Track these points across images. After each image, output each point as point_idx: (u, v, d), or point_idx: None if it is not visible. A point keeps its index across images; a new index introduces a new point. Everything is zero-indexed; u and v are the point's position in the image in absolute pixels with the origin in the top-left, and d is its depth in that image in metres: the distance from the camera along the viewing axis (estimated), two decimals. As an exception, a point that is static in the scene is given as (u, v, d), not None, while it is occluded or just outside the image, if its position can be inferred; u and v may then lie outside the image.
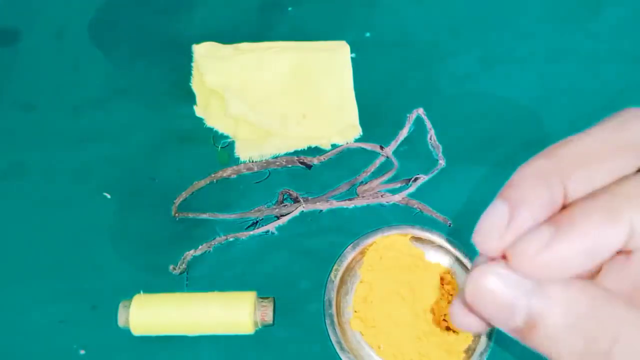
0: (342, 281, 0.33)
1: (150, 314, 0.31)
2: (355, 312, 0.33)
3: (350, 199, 0.35)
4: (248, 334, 0.32)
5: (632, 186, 0.15)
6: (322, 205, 0.35)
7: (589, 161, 0.16)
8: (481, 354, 0.31)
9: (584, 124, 0.41)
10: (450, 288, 0.33)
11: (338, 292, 0.33)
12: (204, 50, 0.40)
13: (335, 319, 0.32)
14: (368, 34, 0.42)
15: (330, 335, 0.32)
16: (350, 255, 0.34)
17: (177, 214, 0.35)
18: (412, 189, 0.36)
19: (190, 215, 0.35)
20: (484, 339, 0.32)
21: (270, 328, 0.32)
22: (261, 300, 0.32)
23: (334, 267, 0.33)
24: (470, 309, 0.16)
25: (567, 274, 0.14)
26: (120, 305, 0.32)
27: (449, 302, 0.33)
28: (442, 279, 0.33)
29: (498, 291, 0.15)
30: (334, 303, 0.32)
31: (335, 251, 0.34)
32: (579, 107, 0.40)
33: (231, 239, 0.35)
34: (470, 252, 0.34)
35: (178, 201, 0.36)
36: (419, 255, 0.34)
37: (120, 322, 0.31)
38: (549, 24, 0.43)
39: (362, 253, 0.34)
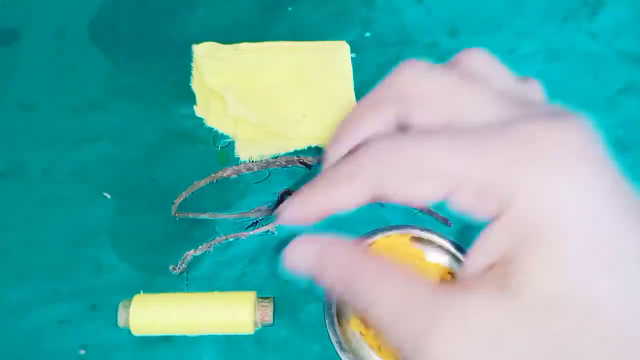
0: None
1: (150, 314, 0.31)
2: (355, 312, 0.33)
3: None
4: (248, 334, 0.32)
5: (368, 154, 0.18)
6: None
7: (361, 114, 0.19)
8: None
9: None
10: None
11: (338, 292, 0.33)
12: (204, 51, 0.40)
13: (335, 319, 0.32)
14: (368, 34, 0.42)
15: (330, 336, 0.32)
16: (350, 255, 0.34)
17: (177, 214, 0.35)
18: None
19: (190, 215, 0.35)
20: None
21: (270, 328, 0.32)
22: (261, 300, 0.32)
23: (334, 267, 0.33)
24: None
25: (314, 218, 0.20)
26: (120, 305, 0.32)
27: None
28: (441, 279, 0.33)
29: (296, 255, 0.20)
30: (334, 303, 0.32)
31: (335, 251, 0.34)
32: (578, 107, 0.40)
33: (231, 239, 0.35)
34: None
35: (178, 201, 0.36)
36: (418, 256, 0.34)
37: (121, 322, 0.31)
38: (548, 24, 0.43)
39: (362, 253, 0.34)
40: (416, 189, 0.17)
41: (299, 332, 0.33)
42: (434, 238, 0.34)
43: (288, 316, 0.33)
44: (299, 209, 0.20)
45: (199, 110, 0.39)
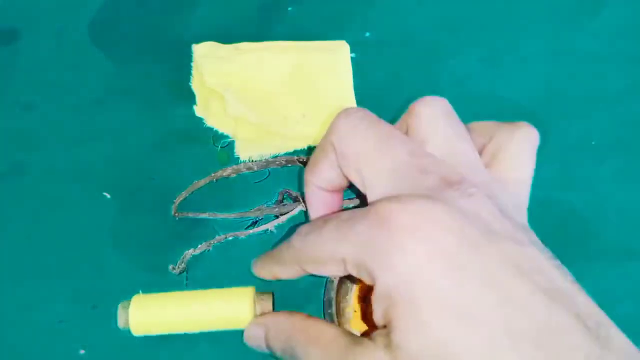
0: (342, 281, 0.33)
1: (150, 314, 0.31)
2: (355, 312, 0.33)
3: (350, 199, 0.35)
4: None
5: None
6: None
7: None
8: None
9: (584, 124, 0.42)
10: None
11: (338, 292, 0.33)
12: (204, 51, 0.40)
13: (335, 319, 0.32)
14: (368, 34, 0.42)
15: (330, 336, 0.32)
16: (350, 255, 0.34)
17: (177, 214, 0.35)
18: None
19: (191, 215, 0.35)
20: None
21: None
22: (260, 294, 0.32)
23: (334, 267, 0.33)
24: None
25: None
26: (120, 306, 0.31)
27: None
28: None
29: (251, 338, 0.28)
30: (333, 303, 0.32)
31: (335, 251, 0.34)
32: (579, 107, 0.40)
33: (230, 238, 0.35)
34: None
35: (178, 201, 0.36)
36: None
37: (121, 324, 0.31)
38: (549, 24, 0.43)
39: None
40: (325, 270, 0.23)
41: (299, 332, 0.33)
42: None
43: (288, 316, 0.33)
44: (257, 272, 0.28)
45: (199, 110, 0.39)
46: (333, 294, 0.32)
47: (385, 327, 0.20)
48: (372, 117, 0.24)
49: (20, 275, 0.34)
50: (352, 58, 0.41)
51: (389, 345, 0.19)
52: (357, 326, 0.32)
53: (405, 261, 0.19)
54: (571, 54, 0.42)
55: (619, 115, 0.40)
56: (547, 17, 0.43)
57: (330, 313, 0.32)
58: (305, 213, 0.35)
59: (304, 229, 0.24)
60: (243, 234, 0.35)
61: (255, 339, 0.27)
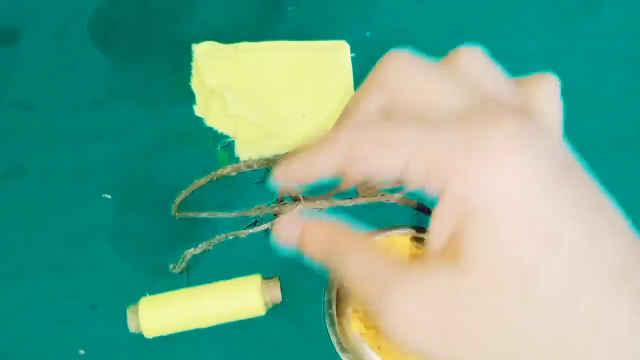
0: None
1: (160, 315, 0.31)
2: (355, 312, 0.33)
3: (350, 198, 0.35)
4: (252, 326, 0.32)
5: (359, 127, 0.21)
6: (322, 204, 0.35)
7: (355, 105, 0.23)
8: (481, 354, 0.31)
9: (584, 123, 0.42)
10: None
11: (338, 292, 0.33)
12: (204, 50, 0.40)
13: (336, 319, 0.32)
14: (368, 34, 0.42)
15: (331, 336, 0.32)
16: (350, 255, 0.34)
17: (177, 214, 0.35)
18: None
19: (191, 215, 0.35)
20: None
21: (270, 328, 0.32)
22: (267, 280, 0.32)
23: (334, 267, 0.33)
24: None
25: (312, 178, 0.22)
26: (129, 311, 0.31)
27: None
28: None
29: (284, 236, 0.24)
30: (334, 303, 0.32)
31: (335, 251, 0.34)
32: (578, 107, 0.40)
33: (231, 237, 0.35)
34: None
35: (178, 200, 0.36)
36: (419, 256, 0.34)
37: (132, 328, 0.31)
38: (548, 24, 0.43)
39: (362, 253, 0.34)
40: (381, 157, 0.19)
41: (300, 332, 0.33)
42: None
43: (289, 316, 0.33)
44: (284, 170, 0.22)
45: (198, 110, 0.39)
46: (333, 294, 0.32)
47: (444, 252, 0.19)
48: (420, 57, 0.23)
49: (20, 275, 0.34)
50: (352, 58, 0.41)
51: (453, 264, 0.18)
52: (358, 326, 0.32)
53: (492, 173, 0.17)
54: (571, 54, 0.42)
55: (619, 115, 0.40)
56: (546, 17, 0.43)
57: (331, 313, 0.32)
58: (307, 214, 0.35)
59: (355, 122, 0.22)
60: (243, 233, 0.35)
61: (287, 238, 0.24)
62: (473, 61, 0.23)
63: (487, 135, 0.18)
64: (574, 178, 0.19)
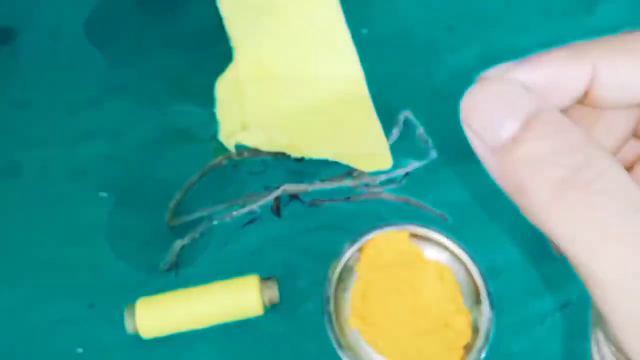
0: (340, 279, 0.33)
1: (157, 316, 0.31)
2: (354, 309, 0.33)
3: (330, 179, 0.35)
4: (250, 325, 0.32)
5: (601, 39, 0.15)
6: (305, 187, 0.35)
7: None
8: (479, 350, 0.31)
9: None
10: (449, 285, 0.33)
11: (336, 289, 0.33)
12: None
13: (334, 317, 0.32)
14: (365, 30, 0.42)
15: (329, 333, 0.32)
16: (348, 252, 0.34)
17: (170, 222, 0.35)
18: (402, 170, 0.36)
19: (184, 219, 0.35)
20: (482, 336, 0.32)
21: (268, 326, 0.32)
22: (265, 280, 0.32)
23: (332, 265, 0.33)
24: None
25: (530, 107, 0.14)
26: (125, 312, 0.31)
27: (447, 299, 0.33)
28: (440, 276, 0.33)
29: (495, 102, 0.14)
30: (332, 300, 0.32)
31: (333, 249, 0.34)
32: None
33: (215, 223, 0.34)
34: (469, 248, 0.33)
35: (172, 205, 0.35)
36: (416, 253, 0.34)
37: (129, 329, 0.31)
38: (547, 19, 0.43)
39: (360, 250, 0.34)
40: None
41: (298, 330, 0.33)
42: (432, 235, 0.34)
43: (287, 313, 0.33)
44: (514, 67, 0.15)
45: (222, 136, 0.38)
46: (331, 292, 0.32)
47: None
48: None
49: (17, 274, 0.34)
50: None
51: None
52: (356, 324, 0.32)
53: None
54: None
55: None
56: (544, 13, 0.43)
57: (329, 311, 0.32)
58: (304, 211, 0.35)
59: None
60: (229, 216, 0.34)
61: (493, 126, 0.14)
62: None
63: None
64: None
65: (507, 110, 0.14)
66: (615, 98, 0.14)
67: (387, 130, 0.38)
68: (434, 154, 0.37)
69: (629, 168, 0.17)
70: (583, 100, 0.15)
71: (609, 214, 0.12)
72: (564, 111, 0.15)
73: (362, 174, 0.36)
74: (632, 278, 0.12)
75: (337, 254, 0.34)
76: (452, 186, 0.36)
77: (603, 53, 0.14)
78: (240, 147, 0.37)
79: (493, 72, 0.15)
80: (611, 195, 0.12)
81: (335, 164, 0.37)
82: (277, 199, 0.36)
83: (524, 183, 0.13)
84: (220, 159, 0.36)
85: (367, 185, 0.36)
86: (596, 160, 0.13)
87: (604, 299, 0.13)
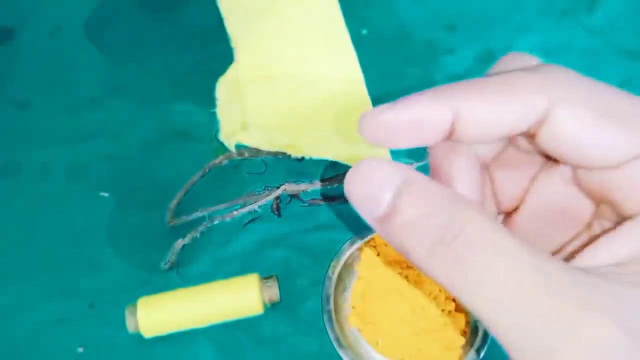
0: (340, 278, 0.33)
1: (159, 315, 0.31)
2: (353, 308, 0.33)
3: (330, 179, 0.36)
4: (252, 320, 0.32)
5: (465, 82, 0.17)
6: (305, 187, 0.35)
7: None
8: (478, 349, 0.31)
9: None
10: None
11: (336, 288, 0.33)
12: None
13: (334, 316, 0.32)
14: (365, 31, 0.42)
15: (329, 332, 0.32)
16: (347, 251, 0.34)
17: (171, 221, 0.35)
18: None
19: (184, 219, 0.35)
20: (480, 336, 0.32)
21: (268, 325, 0.32)
22: (265, 280, 0.32)
23: (332, 264, 0.33)
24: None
25: (401, 144, 0.16)
26: (127, 311, 0.31)
27: (447, 298, 0.33)
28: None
29: (369, 181, 0.16)
30: (332, 299, 0.32)
31: (332, 248, 0.34)
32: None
33: (216, 222, 0.34)
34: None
35: (173, 205, 0.35)
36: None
37: (130, 328, 0.31)
38: (546, 19, 0.43)
39: (360, 249, 0.34)
40: (502, 105, 0.16)
41: (298, 329, 0.33)
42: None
43: (286, 312, 0.33)
44: (380, 120, 0.16)
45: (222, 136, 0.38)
46: (331, 291, 0.33)
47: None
48: None
49: (18, 274, 0.34)
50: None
51: None
52: (355, 322, 0.32)
53: None
54: (566, 50, 0.42)
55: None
56: (544, 12, 0.43)
57: (328, 310, 0.32)
58: (304, 211, 0.35)
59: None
60: (229, 216, 0.35)
61: (372, 191, 0.16)
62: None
63: None
64: None
65: (379, 186, 0.16)
66: (478, 135, 0.16)
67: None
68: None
69: (532, 179, 0.19)
70: (451, 137, 0.16)
71: (476, 260, 0.14)
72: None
73: None
74: (509, 315, 0.13)
75: (336, 254, 0.34)
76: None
77: (464, 95, 0.16)
78: (240, 147, 0.37)
79: (369, 114, 0.16)
80: (475, 244, 0.14)
81: (335, 164, 0.37)
82: (277, 198, 0.36)
83: (404, 246, 0.15)
84: (220, 159, 0.36)
85: None
86: (459, 214, 0.14)
87: (496, 335, 0.14)
